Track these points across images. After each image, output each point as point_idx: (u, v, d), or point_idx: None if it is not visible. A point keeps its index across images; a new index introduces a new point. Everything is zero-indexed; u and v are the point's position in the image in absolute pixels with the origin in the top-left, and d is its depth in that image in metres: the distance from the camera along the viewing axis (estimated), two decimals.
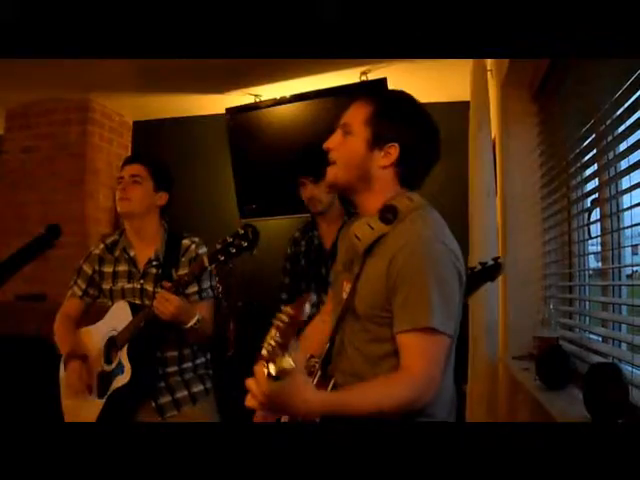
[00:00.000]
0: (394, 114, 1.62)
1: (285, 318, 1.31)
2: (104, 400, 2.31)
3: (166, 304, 2.21)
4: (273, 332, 1.31)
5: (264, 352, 1.24)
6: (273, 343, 1.23)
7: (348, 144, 1.63)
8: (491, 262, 2.36)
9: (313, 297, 1.32)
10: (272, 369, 1.18)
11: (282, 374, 1.18)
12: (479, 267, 2.36)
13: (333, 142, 1.66)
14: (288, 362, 1.18)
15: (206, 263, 2.23)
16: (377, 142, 1.60)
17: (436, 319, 1.44)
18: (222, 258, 2.20)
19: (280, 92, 4.39)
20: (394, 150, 1.59)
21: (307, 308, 1.30)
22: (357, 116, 1.63)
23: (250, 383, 1.32)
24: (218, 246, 2.21)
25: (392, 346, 1.51)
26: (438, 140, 1.67)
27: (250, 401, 1.34)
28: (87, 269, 2.56)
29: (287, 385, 1.24)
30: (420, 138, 1.63)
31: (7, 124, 4.94)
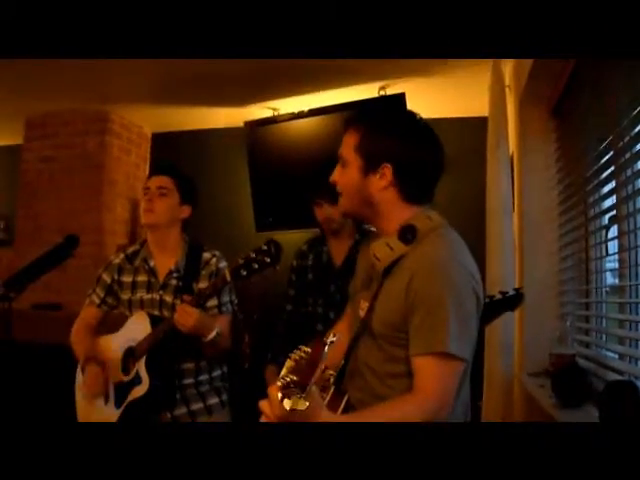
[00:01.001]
0: (380, 134, 1.61)
1: (304, 356, 1.31)
2: (121, 410, 2.32)
3: (187, 317, 2.21)
4: (290, 364, 1.32)
5: (279, 383, 1.25)
6: (289, 379, 1.23)
7: (346, 175, 1.64)
8: (512, 292, 2.36)
9: (333, 338, 1.32)
10: (287, 404, 1.21)
11: (295, 412, 1.21)
12: (499, 296, 2.35)
13: (335, 175, 1.68)
14: (304, 404, 1.20)
15: (228, 278, 2.22)
16: (370, 166, 1.60)
17: (452, 344, 1.44)
18: (245, 273, 2.17)
19: (298, 106, 4.41)
20: (388, 170, 1.58)
21: (327, 350, 1.30)
22: (348, 145, 1.64)
23: (264, 406, 1.33)
24: (241, 261, 2.18)
25: (406, 366, 1.51)
26: (436, 150, 1.64)
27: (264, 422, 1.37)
28: (106, 278, 2.56)
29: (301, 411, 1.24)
30: (412, 152, 1.60)
31: (26, 134, 4.98)
